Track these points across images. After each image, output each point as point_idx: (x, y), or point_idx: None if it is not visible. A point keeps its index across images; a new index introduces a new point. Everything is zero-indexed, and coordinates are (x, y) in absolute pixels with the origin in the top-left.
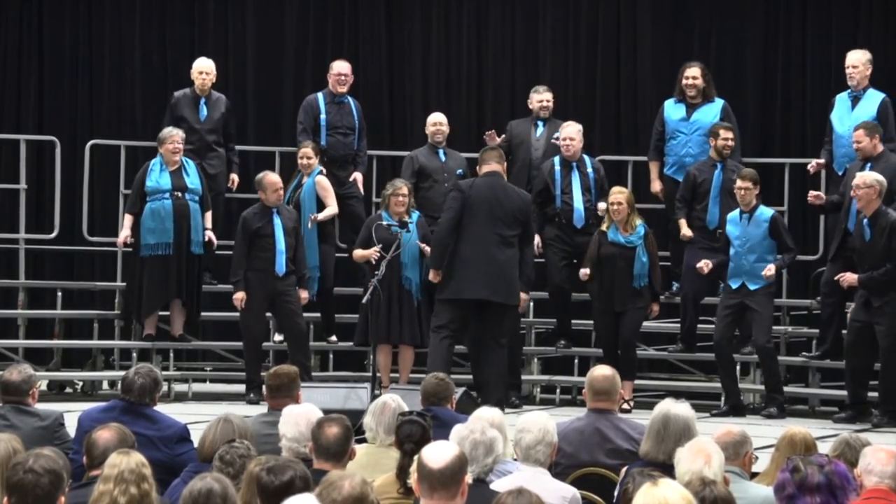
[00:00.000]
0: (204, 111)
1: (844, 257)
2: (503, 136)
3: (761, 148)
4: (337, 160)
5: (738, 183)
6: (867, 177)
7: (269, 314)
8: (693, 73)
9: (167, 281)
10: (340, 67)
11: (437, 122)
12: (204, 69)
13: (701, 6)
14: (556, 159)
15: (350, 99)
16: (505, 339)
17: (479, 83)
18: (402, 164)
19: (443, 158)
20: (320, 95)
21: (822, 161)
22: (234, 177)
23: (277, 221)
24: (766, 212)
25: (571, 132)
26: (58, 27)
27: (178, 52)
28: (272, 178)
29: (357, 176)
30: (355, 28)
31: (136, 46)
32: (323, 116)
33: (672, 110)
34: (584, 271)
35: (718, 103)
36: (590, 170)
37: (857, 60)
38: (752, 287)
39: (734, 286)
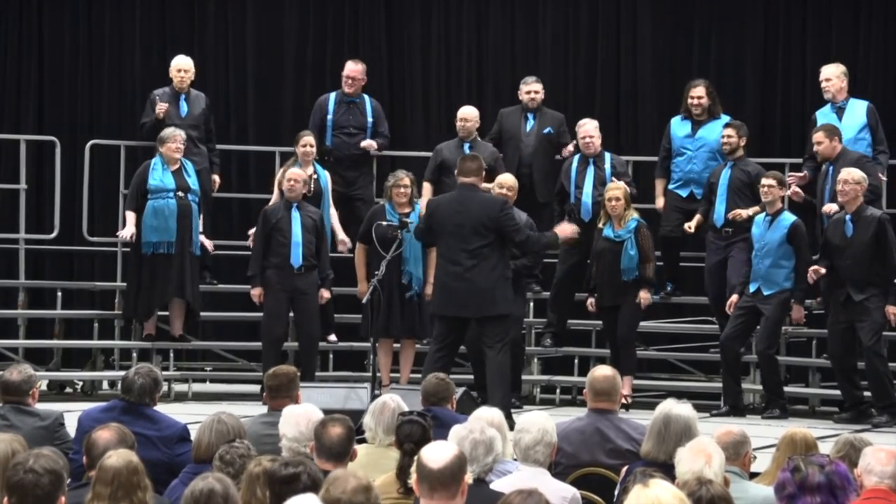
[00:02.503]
0: (184, 108)
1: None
2: (494, 124)
3: (761, 148)
4: (343, 160)
5: (763, 181)
6: (855, 173)
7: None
8: (698, 93)
9: (169, 279)
10: (350, 69)
11: (463, 116)
12: (182, 67)
13: (701, 7)
14: (577, 157)
15: (367, 99)
16: (499, 344)
17: (479, 83)
18: (402, 164)
19: (466, 153)
20: (332, 96)
21: (804, 174)
22: (216, 177)
23: (295, 215)
24: (788, 217)
25: (590, 129)
26: (58, 27)
27: (178, 51)
28: (292, 171)
29: (370, 142)
30: (355, 28)
31: (136, 46)
32: (329, 117)
33: (678, 127)
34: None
35: (724, 120)
36: (607, 165)
37: (831, 74)
38: (766, 292)
39: (751, 289)
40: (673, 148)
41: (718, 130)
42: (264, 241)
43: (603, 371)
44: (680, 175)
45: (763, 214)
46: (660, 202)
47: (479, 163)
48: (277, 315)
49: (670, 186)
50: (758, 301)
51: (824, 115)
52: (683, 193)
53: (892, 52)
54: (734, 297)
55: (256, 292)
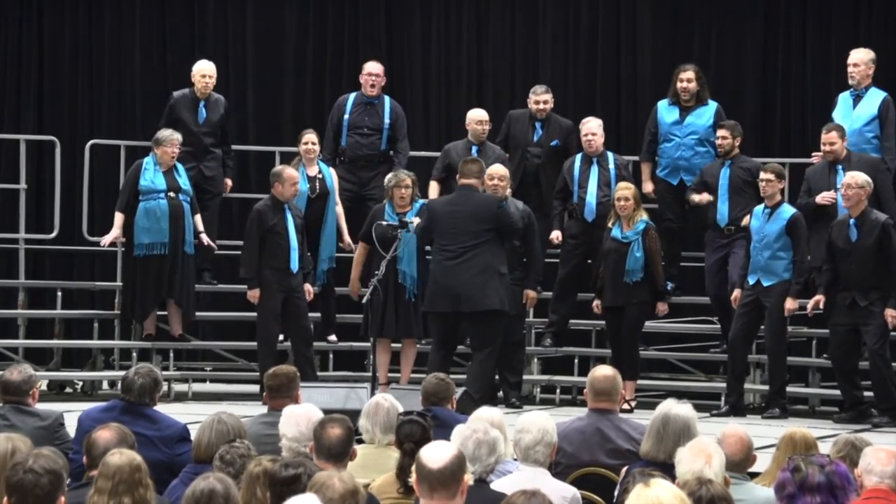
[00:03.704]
0: (203, 114)
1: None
2: (503, 126)
3: (761, 148)
4: (357, 160)
5: (761, 175)
6: (858, 177)
7: None
8: (687, 76)
9: (162, 280)
10: (370, 68)
11: (481, 119)
12: (207, 72)
13: (701, 6)
14: (579, 156)
15: (387, 100)
16: (486, 349)
17: (479, 83)
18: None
19: (475, 156)
20: (351, 96)
21: (822, 154)
22: (228, 181)
23: (289, 217)
24: (788, 210)
25: (592, 127)
26: (58, 27)
27: (178, 52)
28: (291, 172)
29: None
30: (355, 28)
31: (136, 46)
32: (346, 117)
33: (665, 113)
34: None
35: (712, 106)
36: (611, 165)
37: (860, 59)
38: (766, 283)
39: (751, 282)
40: (660, 133)
41: (706, 116)
42: (258, 241)
43: (603, 371)
44: (668, 161)
45: (762, 206)
46: (647, 187)
47: (480, 165)
48: (275, 315)
49: (659, 173)
50: (759, 293)
51: (843, 100)
52: (674, 181)
53: (892, 52)
54: (737, 293)
55: (254, 293)
